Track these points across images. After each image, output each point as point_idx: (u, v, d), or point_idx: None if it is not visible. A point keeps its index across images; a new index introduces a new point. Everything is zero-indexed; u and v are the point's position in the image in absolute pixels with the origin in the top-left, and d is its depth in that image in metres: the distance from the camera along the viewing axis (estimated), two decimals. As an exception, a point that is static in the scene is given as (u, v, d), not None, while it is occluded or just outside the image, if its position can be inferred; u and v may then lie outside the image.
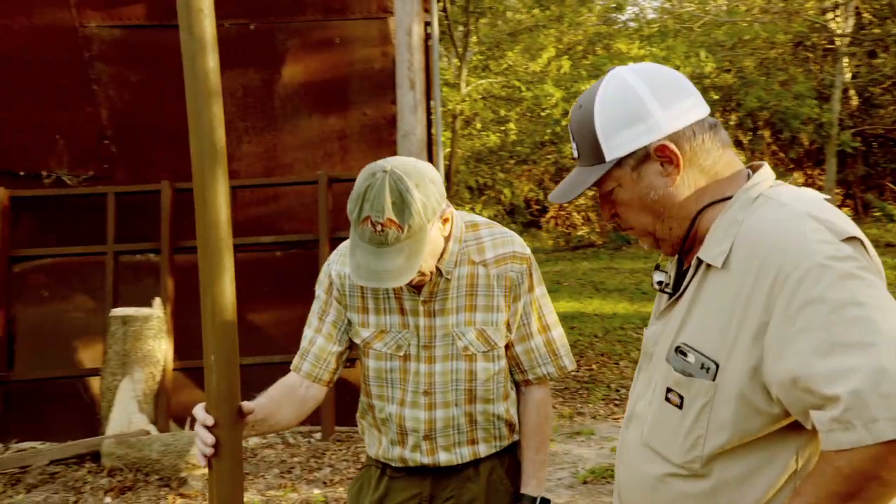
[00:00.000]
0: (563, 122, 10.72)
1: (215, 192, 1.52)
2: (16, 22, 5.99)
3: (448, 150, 11.14)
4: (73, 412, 5.96)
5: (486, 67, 11.98)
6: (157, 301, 5.71)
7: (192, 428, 5.86)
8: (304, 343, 1.84)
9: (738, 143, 19.22)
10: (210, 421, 1.55)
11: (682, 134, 1.29)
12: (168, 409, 5.80)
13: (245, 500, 4.88)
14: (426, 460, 1.79)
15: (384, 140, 6.06)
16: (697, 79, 16.98)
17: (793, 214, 1.20)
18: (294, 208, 6.15)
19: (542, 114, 10.71)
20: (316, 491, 5.02)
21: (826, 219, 1.18)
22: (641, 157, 1.30)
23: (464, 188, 13.57)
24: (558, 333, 1.81)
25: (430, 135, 7.25)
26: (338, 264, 1.82)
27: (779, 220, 1.20)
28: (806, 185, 15.57)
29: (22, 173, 6.05)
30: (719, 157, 1.31)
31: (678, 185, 1.29)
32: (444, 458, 1.78)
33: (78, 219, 6.00)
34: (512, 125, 12.06)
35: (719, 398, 1.19)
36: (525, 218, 17.12)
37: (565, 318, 9.69)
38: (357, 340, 1.81)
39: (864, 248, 1.18)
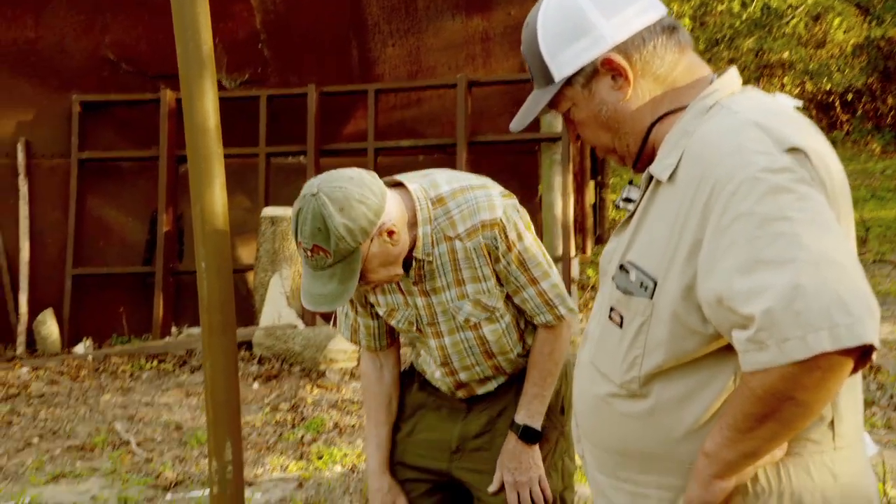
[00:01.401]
0: (744, 17, 9.82)
1: (202, 98, 1.49)
2: (178, -70, 6.24)
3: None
4: (232, 303, 6.43)
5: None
6: (304, 202, 5.95)
7: (333, 324, 6.17)
8: (349, 320, 1.88)
9: None
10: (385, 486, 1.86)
11: (629, 43, 1.22)
12: (314, 306, 6.10)
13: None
14: (465, 397, 1.87)
15: (527, 41, 5.80)
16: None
17: (737, 124, 1.12)
18: (436, 112, 6.10)
19: (719, 8, 9.82)
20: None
21: (772, 128, 1.10)
22: (590, 73, 1.25)
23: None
24: (548, 284, 1.75)
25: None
26: None
27: (721, 131, 1.13)
28: None
29: (187, 78, 6.42)
30: (675, 63, 1.24)
31: (631, 97, 1.24)
32: (481, 390, 1.86)
33: (235, 121, 6.31)
34: (687, 21, 11.13)
35: (656, 317, 1.17)
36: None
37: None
38: None
39: (808, 159, 1.09)
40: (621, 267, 1.22)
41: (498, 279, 1.72)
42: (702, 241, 1.10)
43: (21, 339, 6.38)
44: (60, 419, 4.88)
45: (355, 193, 1.56)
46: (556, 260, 5.90)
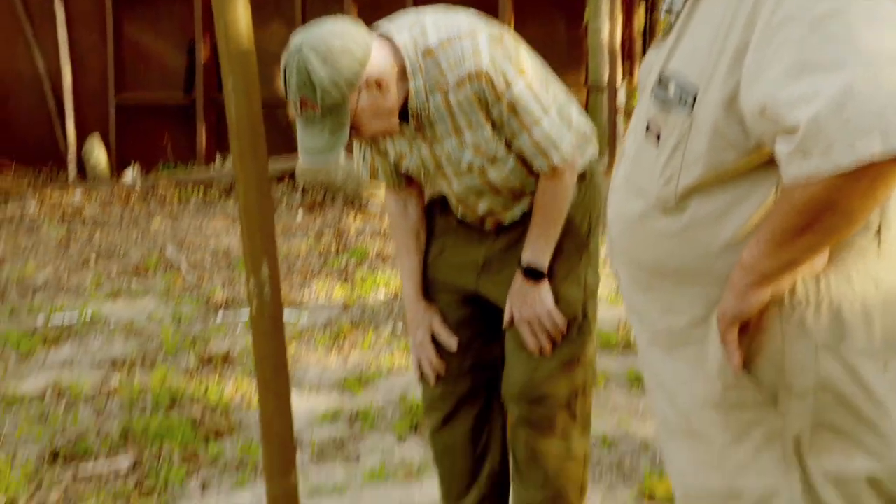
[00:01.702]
0: None
1: None
2: None
3: None
4: (274, 133, 6.43)
5: None
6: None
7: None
8: (366, 162, 1.90)
9: None
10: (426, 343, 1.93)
11: None
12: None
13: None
14: (492, 226, 1.90)
15: None
16: None
17: None
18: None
19: None
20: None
21: None
22: None
23: None
24: (539, 131, 1.72)
25: None
26: None
27: None
28: None
29: None
30: None
31: None
32: (507, 217, 1.88)
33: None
34: None
35: (695, 130, 1.11)
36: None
37: None
38: None
39: None
40: (660, 79, 1.16)
41: (494, 126, 1.72)
42: (748, 45, 1.02)
43: (72, 165, 6.54)
44: (114, 242, 5.09)
45: (338, 45, 1.57)
46: (601, 89, 5.73)
